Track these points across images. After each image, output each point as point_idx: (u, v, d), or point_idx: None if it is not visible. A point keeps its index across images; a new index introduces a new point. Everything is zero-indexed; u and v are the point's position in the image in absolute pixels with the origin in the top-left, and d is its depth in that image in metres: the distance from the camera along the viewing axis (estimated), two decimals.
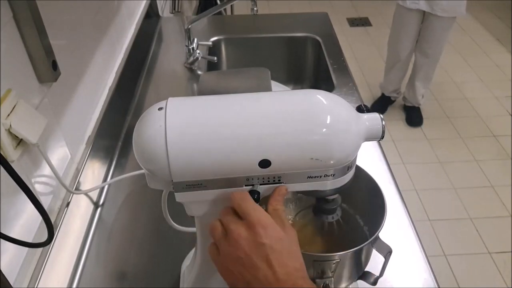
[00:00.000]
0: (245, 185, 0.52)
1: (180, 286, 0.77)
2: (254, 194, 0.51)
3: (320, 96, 0.52)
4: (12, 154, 0.67)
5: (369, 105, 2.86)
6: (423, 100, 2.75)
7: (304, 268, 0.48)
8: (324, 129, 0.49)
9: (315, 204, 0.62)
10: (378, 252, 0.62)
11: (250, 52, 1.66)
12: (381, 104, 2.88)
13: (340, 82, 1.37)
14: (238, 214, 0.50)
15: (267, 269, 0.45)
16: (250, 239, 0.47)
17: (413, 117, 2.78)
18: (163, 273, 0.83)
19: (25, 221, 0.73)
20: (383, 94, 2.87)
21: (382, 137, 0.54)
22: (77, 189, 0.92)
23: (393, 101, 2.90)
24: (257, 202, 0.51)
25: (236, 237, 0.47)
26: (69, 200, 0.89)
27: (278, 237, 0.47)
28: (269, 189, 0.53)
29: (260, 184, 0.52)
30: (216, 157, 0.49)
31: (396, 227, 0.90)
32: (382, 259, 0.62)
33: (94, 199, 0.98)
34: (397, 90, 2.82)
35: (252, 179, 0.51)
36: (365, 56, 3.43)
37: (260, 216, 0.48)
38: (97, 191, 0.99)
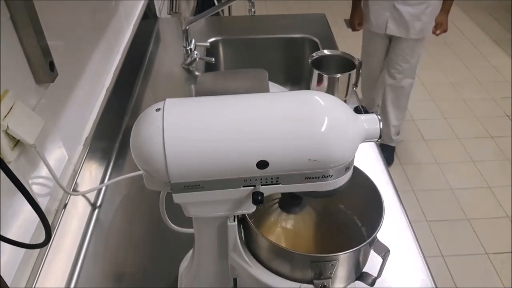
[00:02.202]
0: (243, 186, 0.52)
1: (178, 287, 0.77)
2: (258, 195, 0.51)
3: (318, 97, 0.52)
4: (9, 155, 0.67)
5: None
6: (397, 138, 2.40)
7: None
8: (322, 130, 0.49)
9: (281, 199, 0.64)
10: (376, 253, 0.62)
11: (247, 53, 1.66)
12: None
13: None
14: None
15: None
16: None
17: (385, 155, 2.21)
18: (161, 274, 0.83)
19: (22, 222, 0.72)
20: None
21: (380, 137, 0.54)
22: (74, 190, 0.92)
23: None
24: (261, 203, 0.50)
25: None
26: (66, 201, 0.89)
27: None
28: (271, 189, 0.53)
29: (261, 185, 0.52)
30: (214, 158, 0.49)
31: (393, 228, 0.90)
32: (380, 260, 0.62)
33: (92, 200, 0.97)
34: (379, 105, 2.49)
35: (250, 180, 0.51)
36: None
37: None
38: (95, 192, 0.99)
